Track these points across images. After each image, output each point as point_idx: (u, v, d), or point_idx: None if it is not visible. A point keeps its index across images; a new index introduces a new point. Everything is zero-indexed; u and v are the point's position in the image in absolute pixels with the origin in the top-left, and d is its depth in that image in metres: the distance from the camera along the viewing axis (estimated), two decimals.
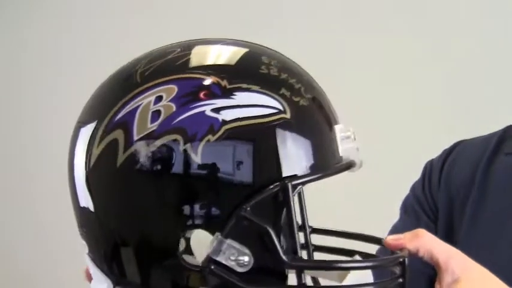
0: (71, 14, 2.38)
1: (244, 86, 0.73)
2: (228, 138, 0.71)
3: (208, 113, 0.72)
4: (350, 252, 0.85)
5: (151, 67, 0.76)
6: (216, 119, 0.71)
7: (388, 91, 2.09)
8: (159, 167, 0.71)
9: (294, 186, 0.73)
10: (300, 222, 0.90)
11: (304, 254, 0.90)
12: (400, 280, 0.76)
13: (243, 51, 0.79)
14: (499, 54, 2.01)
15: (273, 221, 0.73)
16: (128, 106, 0.73)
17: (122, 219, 0.73)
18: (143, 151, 0.71)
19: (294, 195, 0.73)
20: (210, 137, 0.71)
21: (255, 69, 0.75)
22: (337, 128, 0.78)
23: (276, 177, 0.72)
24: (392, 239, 0.81)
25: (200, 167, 0.71)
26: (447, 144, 1.17)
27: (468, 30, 2.03)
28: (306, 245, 0.89)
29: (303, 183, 0.73)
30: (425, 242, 0.79)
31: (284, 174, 0.72)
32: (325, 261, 0.77)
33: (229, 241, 0.71)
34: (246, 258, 0.71)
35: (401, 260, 0.76)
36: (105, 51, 2.26)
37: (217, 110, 0.72)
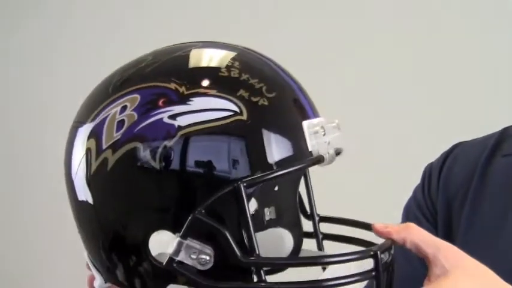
0: (69, 13, 2.41)
1: (201, 90, 0.76)
2: (184, 143, 0.75)
3: (166, 119, 0.75)
4: (360, 241, 0.86)
5: (122, 77, 0.81)
6: (173, 125, 0.75)
7: (389, 93, 2.07)
8: (123, 174, 0.76)
9: (251, 185, 0.75)
10: (308, 211, 0.92)
11: (314, 243, 0.92)
12: (373, 273, 0.76)
13: (209, 54, 0.81)
14: (498, 56, 1.96)
15: (233, 220, 0.75)
16: (99, 116, 0.79)
17: (102, 221, 0.79)
18: (110, 159, 0.77)
19: (253, 193, 0.75)
20: (166, 142, 0.75)
21: (214, 73, 0.78)
22: (305, 123, 0.79)
23: (230, 178, 0.74)
24: (380, 226, 0.81)
25: (158, 172, 0.75)
26: (448, 145, 1.16)
27: (467, 29, 2.00)
28: (315, 234, 0.91)
29: (258, 183, 0.75)
30: (412, 234, 0.79)
31: (238, 175, 0.74)
32: (283, 258, 0.78)
33: (188, 241, 0.74)
34: (207, 257, 0.75)
35: (372, 253, 0.76)
36: (104, 50, 2.29)
37: (173, 117, 0.75)
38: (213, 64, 0.79)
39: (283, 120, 0.78)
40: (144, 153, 0.75)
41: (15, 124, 2.48)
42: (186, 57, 0.80)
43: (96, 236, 0.80)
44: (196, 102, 0.76)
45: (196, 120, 0.75)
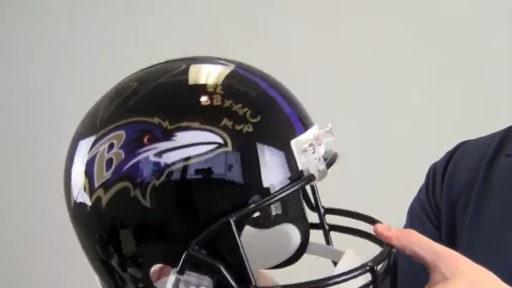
0: (77, 14, 2.39)
1: (184, 124, 0.76)
2: (172, 180, 0.75)
3: (152, 158, 0.76)
4: (366, 234, 0.87)
5: (108, 109, 0.80)
6: (159, 163, 0.75)
7: (394, 92, 2.07)
8: (116, 212, 0.78)
9: (242, 217, 0.75)
10: (313, 203, 0.93)
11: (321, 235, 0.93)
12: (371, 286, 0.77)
13: (191, 80, 0.80)
14: (499, 54, 1.96)
15: (229, 250, 0.76)
16: (91, 152, 0.79)
17: (104, 253, 0.81)
18: (103, 198, 0.78)
19: (245, 222, 0.76)
20: (155, 181, 0.75)
21: (196, 103, 0.77)
22: (293, 142, 0.78)
23: (219, 212, 0.75)
24: (382, 228, 0.81)
25: (150, 210, 0.76)
26: (452, 145, 1.14)
27: (468, 29, 1.99)
28: (322, 226, 0.92)
29: (247, 215, 0.76)
30: (411, 242, 0.79)
31: (228, 208, 0.75)
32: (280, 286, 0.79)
33: (185, 276, 0.76)
34: None
35: (368, 267, 0.76)
36: (110, 54, 2.27)
37: (159, 154, 0.75)
38: (195, 92, 0.78)
39: (269, 144, 0.77)
40: (135, 193, 0.76)
41: (31, 125, 2.48)
42: (168, 86, 0.80)
43: (100, 265, 0.82)
44: (180, 138, 0.75)
45: (182, 157, 0.75)
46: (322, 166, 0.79)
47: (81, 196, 0.80)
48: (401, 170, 1.89)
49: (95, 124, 0.80)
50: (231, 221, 0.74)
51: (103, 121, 0.80)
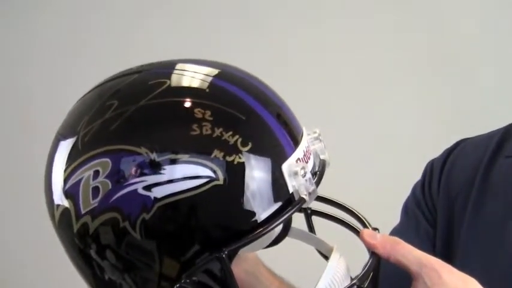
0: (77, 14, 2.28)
1: (173, 157, 0.73)
2: (162, 215, 0.73)
3: (140, 191, 0.73)
4: (346, 224, 0.88)
5: (90, 130, 0.77)
6: (148, 197, 0.73)
7: (392, 91, 2.08)
8: (105, 239, 0.76)
9: (234, 250, 0.75)
10: None
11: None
12: None
13: (178, 100, 0.76)
14: (499, 52, 1.97)
15: (219, 281, 0.76)
16: (74, 176, 0.76)
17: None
18: (90, 225, 0.76)
19: (235, 257, 0.76)
20: (144, 215, 0.74)
21: (185, 133, 0.74)
22: (284, 166, 0.77)
23: (212, 246, 0.74)
24: (368, 235, 0.82)
25: (140, 242, 0.75)
26: (451, 142, 1.12)
27: (468, 27, 1.99)
28: (304, 209, 0.92)
29: (240, 247, 0.75)
30: (396, 251, 0.80)
31: (221, 242, 0.74)
32: None
33: None
34: None
35: (355, 287, 0.78)
36: (111, 56, 2.16)
37: (148, 188, 0.73)
38: (184, 121, 0.75)
39: (260, 172, 0.75)
40: (124, 224, 0.74)
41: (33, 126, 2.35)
42: (153, 112, 0.76)
43: (81, 271, 0.81)
44: (169, 171, 0.73)
45: (172, 191, 0.73)
46: (313, 187, 0.78)
47: (66, 215, 0.78)
48: (397, 169, 1.90)
49: (77, 147, 0.77)
50: (223, 256, 0.74)
51: (84, 144, 0.76)
